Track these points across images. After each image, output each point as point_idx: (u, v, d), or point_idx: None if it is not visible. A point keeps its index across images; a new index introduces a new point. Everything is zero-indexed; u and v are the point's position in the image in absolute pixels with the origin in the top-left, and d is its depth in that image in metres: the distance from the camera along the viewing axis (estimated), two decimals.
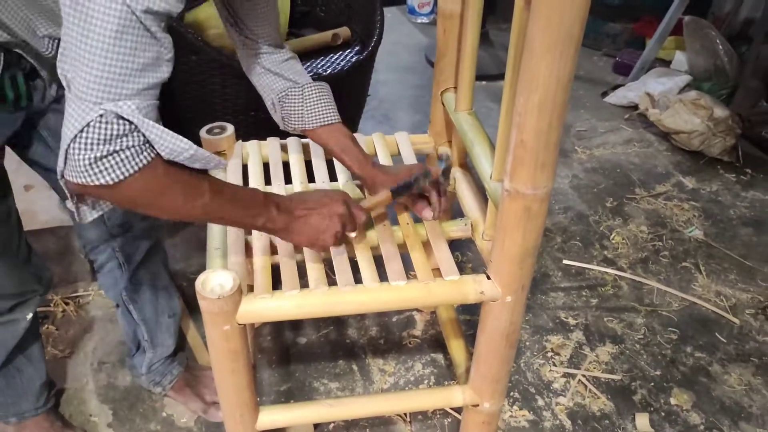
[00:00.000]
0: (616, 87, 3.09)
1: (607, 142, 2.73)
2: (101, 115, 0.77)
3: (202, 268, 1.77)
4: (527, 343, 1.77)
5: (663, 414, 1.59)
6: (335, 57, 2.07)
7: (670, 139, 2.70)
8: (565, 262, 2.05)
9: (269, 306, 1.06)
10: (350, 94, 2.00)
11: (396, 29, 3.82)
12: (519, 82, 0.89)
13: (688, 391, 1.65)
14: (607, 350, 1.75)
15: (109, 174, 0.80)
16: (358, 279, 1.12)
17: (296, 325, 1.80)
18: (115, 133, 0.78)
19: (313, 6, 2.30)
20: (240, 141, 1.45)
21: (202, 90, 1.76)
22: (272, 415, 1.26)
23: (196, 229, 2.11)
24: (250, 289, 1.11)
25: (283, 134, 1.50)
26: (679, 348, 1.77)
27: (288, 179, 1.37)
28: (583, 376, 1.67)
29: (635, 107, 2.92)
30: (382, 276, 1.13)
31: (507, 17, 3.83)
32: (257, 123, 1.84)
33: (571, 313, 1.87)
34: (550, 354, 1.74)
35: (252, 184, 1.35)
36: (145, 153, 0.82)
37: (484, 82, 3.17)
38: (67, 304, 1.83)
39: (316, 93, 1.23)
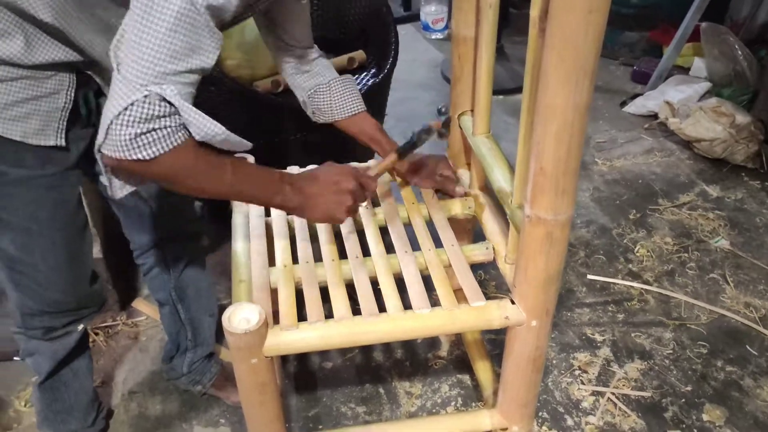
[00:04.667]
0: (634, 96, 3.07)
1: (627, 153, 2.71)
2: (146, 96, 0.83)
3: (227, 292, 1.80)
4: (554, 362, 1.76)
5: (696, 431, 1.57)
6: None
7: (691, 147, 2.68)
8: (590, 277, 2.03)
9: (295, 338, 1.07)
10: None
11: (411, 46, 3.84)
12: (536, 111, 0.89)
13: (721, 406, 1.63)
14: (635, 366, 1.74)
15: (145, 150, 0.86)
16: (381, 304, 1.13)
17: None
18: (156, 113, 0.85)
19: (328, 31, 2.32)
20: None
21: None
22: None
23: (221, 254, 2.13)
24: (275, 316, 1.12)
25: (302, 160, 1.52)
26: (710, 362, 1.75)
27: None
28: (612, 393, 1.66)
29: (655, 116, 2.90)
30: (405, 300, 1.13)
31: (521, 30, 3.81)
32: (274, 148, 1.86)
33: (597, 330, 1.85)
34: (577, 372, 1.73)
35: (273, 214, 1.36)
36: (180, 133, 0.88)
37: (501, 97, 3.17)
38: (96, 334, 1.86)
39: (341, 87, 1.34)
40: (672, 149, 2.72)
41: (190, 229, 1.49)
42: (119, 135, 0.84)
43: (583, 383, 1.69)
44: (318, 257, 1.26)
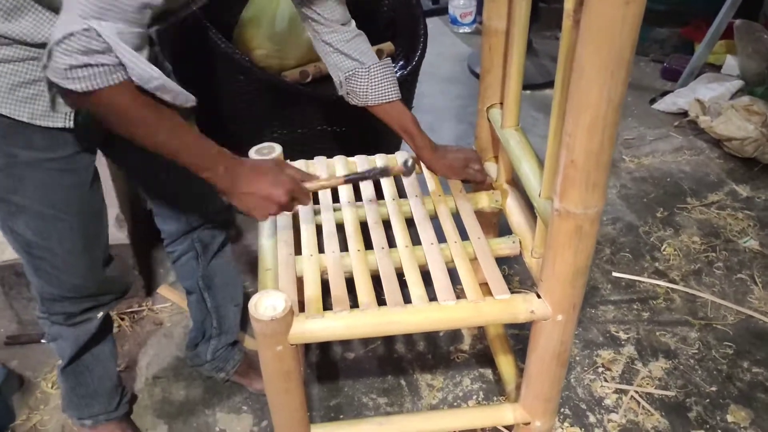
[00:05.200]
0: (664, 93, 3.03)
1: (656, 151, 2.68)
2: (85, 29, 0.84)
3: (251, 282, 1.81)
4: (577, 358, 1.74)
5: None
6: None
7: (722, 146, 2.64)
8: (615, 274, 2.01)
9: (320, 327, 1.08)
10: None
11: (438, 40, 3.82)
12: (569, 103, 0.88)
13: (746, 408, 1.60)
14: (660, 365, 1.72)
15: (80, 82, 0.87)
16: (406, 296, 1.13)
17: (344, 340, 1.81)
18: (92, 48, 0.85)
19: (357, 22, 2.32)
20: (288, 161, 1.47)
21: (250, 110, 1.79)
22: None
23: (246, 245, 2.14)
24: (302, 305, 1.13)
25: (328, 152, 1.52)
26: (736, 363, 1.72)
27: (336, 198, 1.39)
28: (636, 392, 1.64)
29: (685, 114, 2.86)
30: (430, 292, 1.13)
31: (550, 25, 3.79)
32: (301, 139, 1.86)
33: (622, 327, 1.84)
34: (601, 369, 1.71)
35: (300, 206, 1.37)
36: (117, 74, 0.88)
37: (529, 92, 3.15)
38: (122, 319, 1.88)
39: (380, 72, 1.32)
40: (702, 148, 2.68)
41: (219, 219, 1.50)
42: (57, 62, 0.85)
43: (606, 381, 1.68)
44: (344, 247, 1.26)
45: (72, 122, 1.09)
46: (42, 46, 1.00)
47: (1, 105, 1.02)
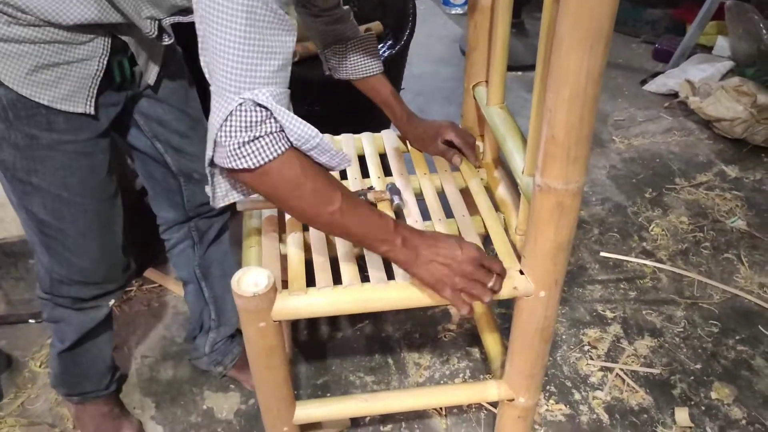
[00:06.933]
0: (655, 74, 3.02)
1: (646, 131, 2.68)
2: (240, 104, 0.83)
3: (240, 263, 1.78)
4: (563, 337, 1.76)
5: (703, 408, 1.57)
6: None
7: (711, 127, 2.64)
8: (603, 254, 2.02)
9: (303, 303, 1.08)
10: None
11: (430, 21, 3.81)
12: (549, 76, 0.88)
13: (730, 385, 1.62)
14: (645, 344, 1.73)
15: (252, 158, 0.86)
16: (390, 275, 1.13)
17: (332, 319, 1.82)
18: (254, 119, 0.84)
19: (346, 2, 2.30)
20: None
21: None
22: (308, 409, 1.28)
23: (234, 224, 2.14)
24: (285, 284, 1.13)
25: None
26: (721, 341, 1.74)
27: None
28: (621, 369, 1.66)
29: (675, 95, 2.86)
30: None
31: (542, 6, 3.77)
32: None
33: (608, 306, 1.85)
34: (587, 347, 1.73)
35: None
36: (282, 141, 0.88)
37: (519, 73, 3.14)
38: None
39: (359, 48, 1.32)
40: (691, 129, 2.69)
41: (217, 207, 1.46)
42: (226, 146, 0.85)
43: (592, 359, 1.69)
44: None
45: (93, 108, 1.08)
46: (70, 29, 0.99)
47: (22, 86, 1.00)
